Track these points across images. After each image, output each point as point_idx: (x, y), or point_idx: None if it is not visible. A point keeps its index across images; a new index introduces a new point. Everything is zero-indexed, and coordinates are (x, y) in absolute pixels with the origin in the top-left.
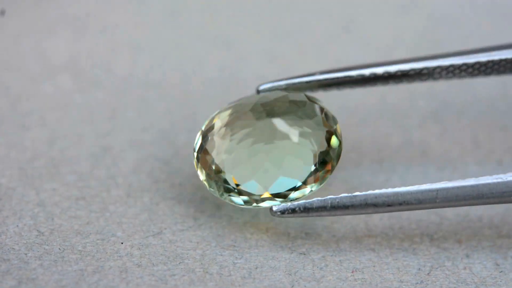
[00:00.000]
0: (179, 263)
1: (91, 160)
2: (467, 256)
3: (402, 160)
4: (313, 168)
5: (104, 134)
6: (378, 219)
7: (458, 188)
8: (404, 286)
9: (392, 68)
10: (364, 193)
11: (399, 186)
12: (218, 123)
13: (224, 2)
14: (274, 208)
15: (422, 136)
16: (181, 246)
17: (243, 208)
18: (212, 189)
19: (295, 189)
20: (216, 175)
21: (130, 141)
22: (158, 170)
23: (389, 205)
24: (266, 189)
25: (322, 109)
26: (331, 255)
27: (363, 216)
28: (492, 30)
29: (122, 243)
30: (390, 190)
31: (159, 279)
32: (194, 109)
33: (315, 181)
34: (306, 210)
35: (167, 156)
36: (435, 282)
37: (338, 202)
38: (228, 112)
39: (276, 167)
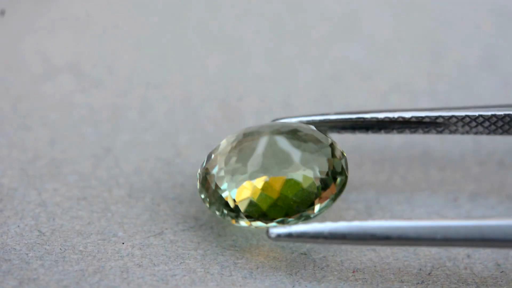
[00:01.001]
0: (180, 263)
1: (92, 160)
2: (468, 256)
3: (403, 160)
4: (312, 193)
5: (106, 135)
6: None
7: (460, 227)
8: (405, 286)
9: (407, 114)
10: (363, 222)
11: (401, 187)
12: (223, 143)
13: (225, 3)
14: (270, 231)
15: (423, 136)
16: (182, 246)
17: (242, 228)
18: (212, 209)
19: (292, 212)
20: (216, 194)
21: (132, 141)
22: (159, 171)
23: (387, 238)
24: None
25: (330, 140)
26: (332, 255)
27: (364, 216)
28: (492, 30)
29: (123, 243)
30: (390, 222)
31: (160, 279)
32: (195, 109)
33: (314, 206)
34: (302, 235)
35: (169, 156)
36: (436, 282)
37: (336, 230)
38: (235, 134)
39: (276, 189)
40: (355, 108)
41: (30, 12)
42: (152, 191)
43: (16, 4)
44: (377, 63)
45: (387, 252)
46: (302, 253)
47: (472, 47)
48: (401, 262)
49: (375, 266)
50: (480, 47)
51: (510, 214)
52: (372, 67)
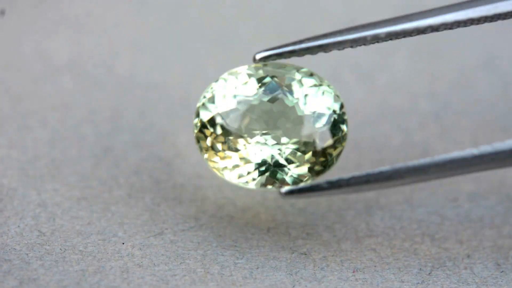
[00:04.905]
0: (180, 263)
1: (92, 160)
2: (468, 256)
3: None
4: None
5: (106, 135)
6: (379, 219)
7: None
8: (405, 286)
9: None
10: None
11: (401, 187)
12: (221, 80)
13: (225, 3)
14: (283, 190)
15: (423, 136)
16: (182, 246)
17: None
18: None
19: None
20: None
21: (132, 141)
22: (159, 171)
23: (404, 175)
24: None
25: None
26: (332, 255)
27: (364, 216)
28: (492, 31)
29: (123, 243)
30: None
31: (160, 279)
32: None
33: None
34: (314, 188)
35: (169, 156)
36: (436, 282)
37: (348, 180)
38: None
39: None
40: (355, 108)
41: (30, 12)
42: (152, 191)
43: (16, 4)
44: (377, 63)
45: (387, 252)
46: (302, 253)
47: (472, 47)
48: (401, 262)
49: (375, 266)
50: (480, 47)
51: (510, 214)
52: (372, 67)
